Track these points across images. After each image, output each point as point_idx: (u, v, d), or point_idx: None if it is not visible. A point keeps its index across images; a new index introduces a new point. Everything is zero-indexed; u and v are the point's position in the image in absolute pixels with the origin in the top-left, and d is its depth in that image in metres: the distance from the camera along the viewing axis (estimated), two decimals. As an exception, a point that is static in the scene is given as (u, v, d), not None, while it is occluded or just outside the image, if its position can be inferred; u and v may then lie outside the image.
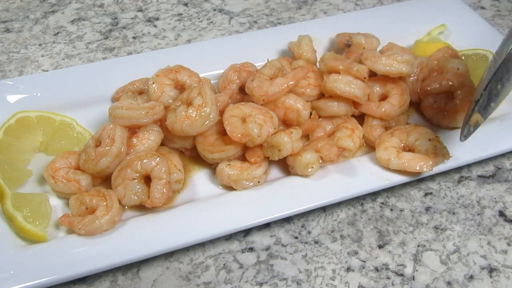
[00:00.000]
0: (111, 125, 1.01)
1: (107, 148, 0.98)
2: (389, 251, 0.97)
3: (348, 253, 0.97)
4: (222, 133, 1.05)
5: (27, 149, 1.09)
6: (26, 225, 0.92)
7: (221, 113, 1.04)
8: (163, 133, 1.06)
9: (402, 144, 1.08)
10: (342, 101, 1.11)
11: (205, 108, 1.00)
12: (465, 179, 1.10)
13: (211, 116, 1.01)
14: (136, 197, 0.98)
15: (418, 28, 1.41)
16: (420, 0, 1.46)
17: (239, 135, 1.00)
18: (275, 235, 1.00)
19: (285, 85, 1.05)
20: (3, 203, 0.96)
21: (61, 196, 1.02)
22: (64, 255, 0.89)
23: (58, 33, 1.51)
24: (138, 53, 1.42)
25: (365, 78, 1.10)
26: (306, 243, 0.98)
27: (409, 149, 1.08)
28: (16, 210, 0.94)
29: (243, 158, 1.06)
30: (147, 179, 1.00)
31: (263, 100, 1.05)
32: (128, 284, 0.92)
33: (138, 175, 0.98)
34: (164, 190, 0.97)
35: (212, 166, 1.08)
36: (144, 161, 0.97)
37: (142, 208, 0.99)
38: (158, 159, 0.98)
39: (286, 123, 1.09)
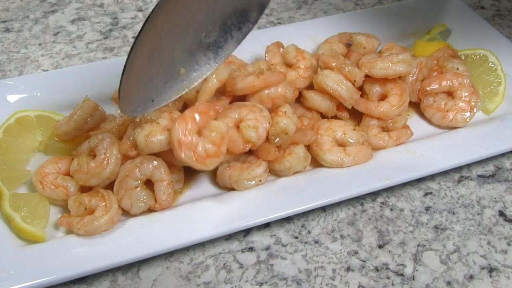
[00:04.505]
0: (108, 139, 0.98)
1: (99, 169, 0.96)
2: (389, 251, 0.97)
3: (348, 253, 0.97)
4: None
5: (26, 149, 1.09)
6: (24, 226, 0.92)
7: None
8: None
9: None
10: (327, 98, 1.12)
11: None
12: (465, 178, 1.10)
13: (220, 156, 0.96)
14: (143, 204, 0.96)
15: (418, 28, 1.42)
16: (420, 0, 1.46)
17: (241, 147, 1.00)
18: (275, 235, 1.00)
19: (253, 84, 1.04)
20: (1, 204, 0.96)
21: (51, 202, 1.00)
22: (64, 255, 0.89)
23: (58, 33, 1.51)
24: (138, 53, 1.42)
25: (355, 81, 1.10)
26: (306, 243, 0.98)
27: (340, 144, 1.08)
28: (14, 210, 0.94)
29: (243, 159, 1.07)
30: (149, 183, 0.99)
31: (229, 91, 1.05)
32: (128, 284, 0.92)
33: (139, 182, 0.97)
34: (170, 191, 0.97)
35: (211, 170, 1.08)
36: (142, 166, 0.97)
37: (142, 208, 0.99)
38: (155, 162, 0.97)
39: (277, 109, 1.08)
